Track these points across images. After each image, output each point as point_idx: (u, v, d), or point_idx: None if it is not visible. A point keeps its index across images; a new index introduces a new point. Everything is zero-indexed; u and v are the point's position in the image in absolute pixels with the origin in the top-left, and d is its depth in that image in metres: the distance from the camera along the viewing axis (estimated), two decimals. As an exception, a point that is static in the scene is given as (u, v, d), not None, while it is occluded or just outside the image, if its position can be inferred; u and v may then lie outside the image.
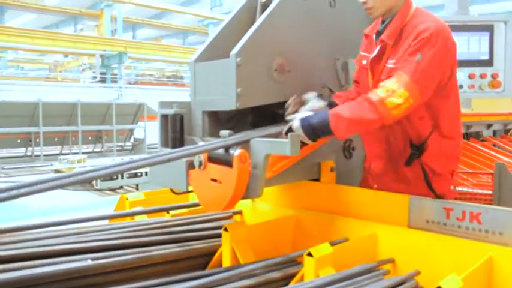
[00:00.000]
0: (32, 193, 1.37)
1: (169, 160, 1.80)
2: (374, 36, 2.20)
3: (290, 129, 1.99)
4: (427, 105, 2.07)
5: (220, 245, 2.26)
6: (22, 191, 1.35)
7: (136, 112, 15.53)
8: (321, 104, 2.13)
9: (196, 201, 2.68)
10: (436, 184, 2.17)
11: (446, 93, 2.10)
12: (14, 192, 1.34)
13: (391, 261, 2.08)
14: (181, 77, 30.22)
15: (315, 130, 1.95)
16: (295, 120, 1.99)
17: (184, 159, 2.07)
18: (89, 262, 1.96)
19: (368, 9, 2.12)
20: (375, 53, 2.13)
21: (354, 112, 1.92)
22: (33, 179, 1.41)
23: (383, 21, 2.17)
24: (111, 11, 22.42)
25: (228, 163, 1.91)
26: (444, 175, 2.19)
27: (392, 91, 1.89)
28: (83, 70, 25.80)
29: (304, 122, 1.96)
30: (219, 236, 2.31)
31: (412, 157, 2.17)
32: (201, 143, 2.03)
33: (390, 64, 2.08)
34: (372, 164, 2.38)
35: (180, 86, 26.49)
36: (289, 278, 2.07)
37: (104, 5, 22.00)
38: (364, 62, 2.25)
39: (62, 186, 1.44)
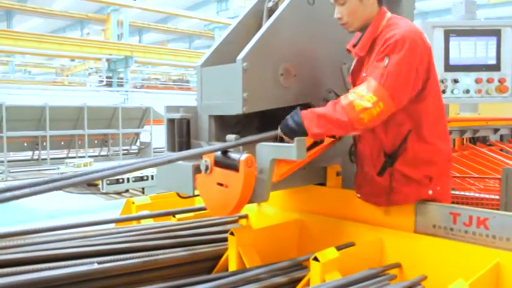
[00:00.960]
0: (36, 193, 1.39)
1: (169, 161, 1.81)
2: (352, 49, 2.20)
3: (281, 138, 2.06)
4: (406, 111, 2.05)
5: (226, 249, 2.26)
6: (26, 191, 1.37)
7: (142, 116, 15.57)
8: None
9: (202, 205, 2.69)
10: (411, 189, 2.11)
11: (424, 97, 2.07)
12: (17, 192, 1.35)
13: (398, 266, 2.08)
14: (187, 81, 30.34)
15: (292, 130, 1.99)
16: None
17: (190, 164, 2.08)
18: (95, 266, 1.96)
19: (344, 25, 2.14)
20: (353, 66, 2.17)
21: (326, 111, 1.96)
22: (39, 180, 1.42)
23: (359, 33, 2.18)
24: (118, 16, 22.54)
25: (234, 167, 1.92)
26: (421, 181, 2.11)
27: (361, 96, 1.91)
28: (89, 74, 25.93)
29: (282, 124, 2.04)
30: (225, 240, 2.31)
31: (385, 166, 2.13)
32: (206, 147, 2.04)
33: (364, 73, 2.09)
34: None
35: (186, 90, 26.58)
36: (295, 283, 2.07)
37: (110, 10, 22.13)
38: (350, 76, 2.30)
39: (61, 188, 1.46)
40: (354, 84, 2.20)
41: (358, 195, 2.31)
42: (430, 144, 2.11)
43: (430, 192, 2.11)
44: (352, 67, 2.22)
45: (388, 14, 2.11)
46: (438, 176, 2.13)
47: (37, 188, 1.44)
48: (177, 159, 1.91)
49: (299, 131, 1.96)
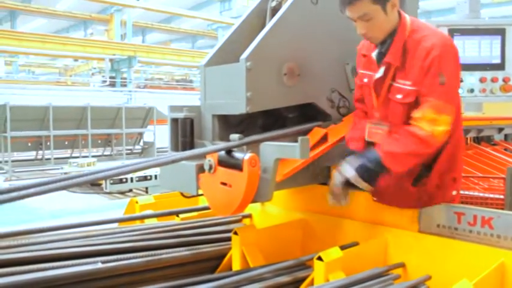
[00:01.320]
0: (42, 193, 1.39)
1: (173, 161, 1.81)
2: (374, 56, 2.13)
3: (348, 182, 2.02)
4: None
5: (229, 249, 2.26)
6: (31, 191, 1.37)
7: (145, 116, 15.58)
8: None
9: (206, 204, 2.68)
10: (441, 192, 2.11)
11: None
12: (23, 192, 1.35)
13: (402, 265, 2.07)
14: (191, 81, 30.36)
15: (372, 173, 1.96)
16: (345, 170, 2.02)
17: (194, 163, 2.08)
18: (99, 265, 1.97)
19: (369, 39, 2.10)
20: (380, 74, 2.07)
21: (406, 147, 1.94)
22: (43, 179, 1.42)
23: (382, 41, 2.09)
24: (121, 16, 22.56)
25: (238, 167, 1.92)
26: (449, 183, 2.12)
27: (434, 120, 1.90)
28: (92, 74, 25.98)
29: (358, 169, 1.99)
30: (228, 239, 2.31)
31: (420, 175, 2.11)
32: (209, 147, 2.04)
33: (401, 85, 2.02)
34: None
35: (190, 89, 26.58)
36: (298, 282, 2.07)
37: (113, 10, 22.15)
38: (365, 80, 2.20)
39: (68, 187, 1.46)
40: (376, 91, 2.12)
41: (375, 199, 2.27)
42: (456, 146, 2.12)
43: (454, 192, 2.14)
44: (379, 75, 2.09)
45: (408, 18, 2.07)
46: (459, 176, 2.17)
47: (43, 188, 1.44)
48: (180, 159, 1.91)
49: (381, 171, 1.96)
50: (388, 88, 2.06)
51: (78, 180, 1.57)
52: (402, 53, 2.02)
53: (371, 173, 1.97)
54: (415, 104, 1.97)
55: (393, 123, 2.06)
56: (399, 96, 2.02)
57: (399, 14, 2.05)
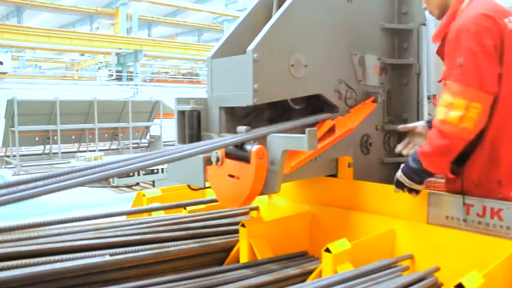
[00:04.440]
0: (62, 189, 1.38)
1: (189, 156, 1.78)
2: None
3: (397, 181, 2.02)
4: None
5: (237, 241, 2.26)
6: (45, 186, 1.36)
7: (152, 109, 15.60)
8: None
9: (213, 197, 2.69)
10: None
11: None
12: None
13: (410, 257, 2.06)
14: (197, 74, 30.34)
15: (415, 172, 1.94)
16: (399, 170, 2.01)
17: (201, 155, 2.07)
18: (107, 258, 1.97)
19: (430, 13, 2.10)
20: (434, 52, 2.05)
21: (431, 144, 1.88)
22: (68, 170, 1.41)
23: (440, 18, 2.07)
24: (127, 10, 22.56)
25: (245, 159, 1.91)
26: (492, 188, 1.97)
27: (450, 105, 1.81)
28: (99, 68, 26.02)
29: (405, 168, 1.98)
30: (236, 231, 2.31)
31: (453, 172, 2.05)
32: (217, 139, 2.03)
33: (444, 66, 1.98)
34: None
35: (196, 83, 26.59)
36: (306, 274, 2.07)
37: (119, 4, 22.15)
38: None
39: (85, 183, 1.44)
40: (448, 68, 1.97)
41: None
42: (501, 142, 1.96)
43: None
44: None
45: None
46: (508, 179, 2.02)
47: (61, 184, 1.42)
48: (194, 154, 1.81)
49: (422, 171, 1.92)
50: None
51: (92, 178, 1.51)
52: (444, 34, 1.96)
53: (415, 172, 1.94)
54: None
55: None
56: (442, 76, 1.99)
57: None
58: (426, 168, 1.91)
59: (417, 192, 2.01)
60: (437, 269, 1.93)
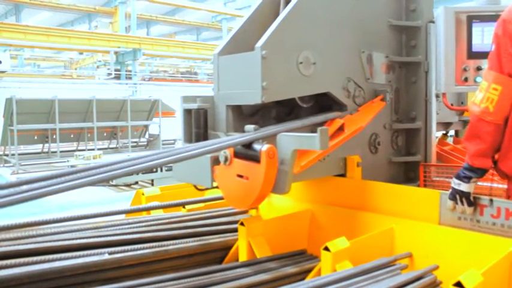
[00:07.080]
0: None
1: (197, 155, 1.74)
2: None
3: (450, 191, 1.99)
4: None
5: (236, 240, 2.26)
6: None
7: (151, 108, 15.59)
8: None
9: (212, 195, 2.69)
10: None
11: None
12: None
13: (409, 255, 2.06)
14: (196, 73, 30.32)
15: (464, 169, 1.94)
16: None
17: (208, 155, 2.00)
18: (106, 256, 1.97)
19: None
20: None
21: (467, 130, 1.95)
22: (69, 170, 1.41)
23: None
24: (125, 8, 22.51)
25: (255, 158, 1.86)
26: None
27: (479, 88, 1.90)
28: (97, 67, 26.01)
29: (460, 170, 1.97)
30: (235, 230, 2.31)
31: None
32: (226, 138, 1.98)
33: None
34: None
35: (194, 82, 26.56)
36: (305, 273, 2.06)
37: (118, 2, 22.11)
38: None
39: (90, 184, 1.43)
40: None
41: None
42: None
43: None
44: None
45: None
46: None
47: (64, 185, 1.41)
48: (202, 154, 1.78)
49: (470, 170, 1.93)
50: None
51: (98, 178, 1.49)
52: None
53: (462, 170, 1.94)
54: None
55: None
56: None
57: None
58: (466, 160, 1.93)
59: (468, 199, 1.93)
60: (436, 267, 1.93)
